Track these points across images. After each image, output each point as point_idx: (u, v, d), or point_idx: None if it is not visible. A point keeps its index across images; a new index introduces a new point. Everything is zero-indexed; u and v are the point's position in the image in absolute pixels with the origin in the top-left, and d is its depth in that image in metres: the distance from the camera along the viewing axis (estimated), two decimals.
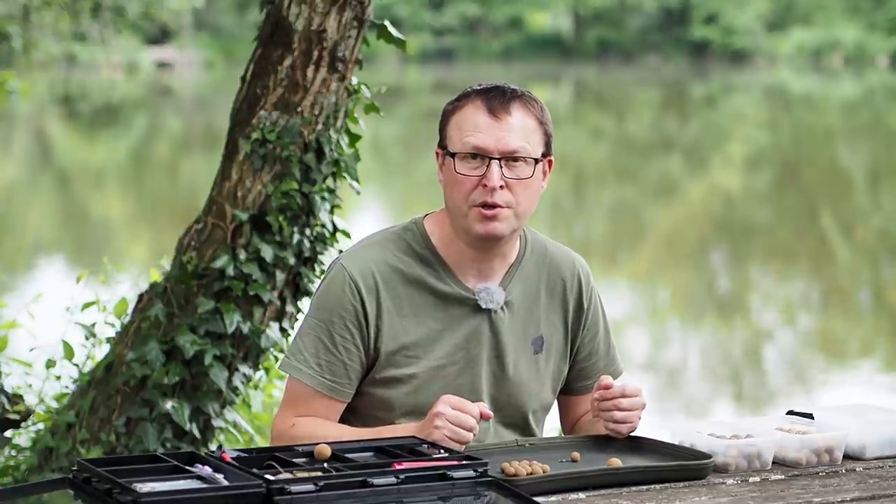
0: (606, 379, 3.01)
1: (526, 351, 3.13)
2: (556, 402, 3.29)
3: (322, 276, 3.25)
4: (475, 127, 3.01)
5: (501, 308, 3.10)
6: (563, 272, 3.19)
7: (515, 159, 3.01)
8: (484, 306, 3.08)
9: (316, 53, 5.00)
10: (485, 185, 2.99)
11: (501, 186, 2.99)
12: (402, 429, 2.94)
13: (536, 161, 3.04)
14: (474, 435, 2.83)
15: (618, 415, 2.97)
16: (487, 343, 3.09)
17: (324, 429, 3.00)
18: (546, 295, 3.16)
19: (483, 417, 2.86)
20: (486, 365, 3.10)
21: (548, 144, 3.09)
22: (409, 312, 3.06)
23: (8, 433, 5.64)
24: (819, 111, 34.08)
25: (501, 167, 2.99)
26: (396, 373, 3.05)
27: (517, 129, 3.01)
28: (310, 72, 5.01)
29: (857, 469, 2.87)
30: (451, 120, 3.06)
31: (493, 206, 2.99)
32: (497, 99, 3.03)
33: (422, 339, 3.06)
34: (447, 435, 2.81)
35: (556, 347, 3.17)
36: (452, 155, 3.02)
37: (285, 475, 2.49)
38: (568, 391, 3.24)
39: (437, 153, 3.09)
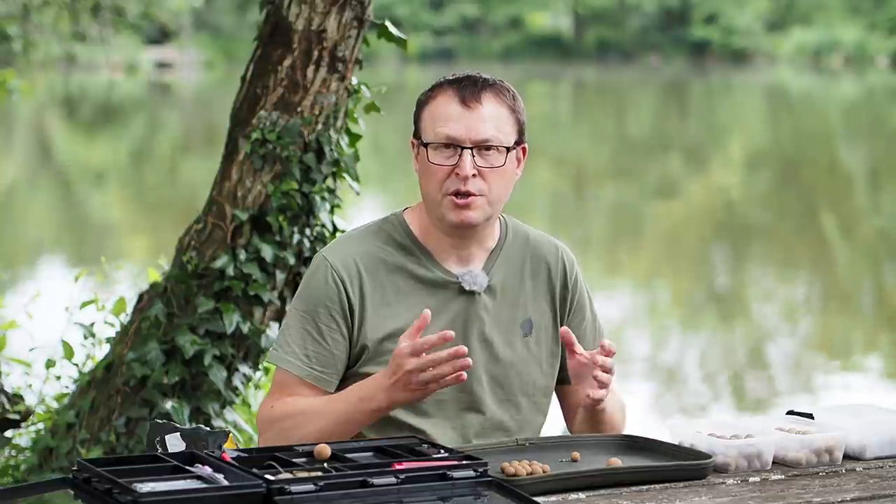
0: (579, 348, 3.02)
1: (516, 334, 3.15)
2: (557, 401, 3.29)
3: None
4: (447, 116, 3.05)
5: (485, 292, 3.12)
6: (547, 256, 3.22)
7: (488, 148, 3.04)
8: (468, 288, 3.11)
9: (316, 53, 5.00)
10: (457, 174, 3.03)
11: (474, 175, 3.03)
12: (369, 382, 2.97)
13: (509, 149, 3.07)
14: (453, 372, 2.86)
15: (601, 375, 2.98)
16: (475, 326, 3.12)
17: (300, 403, 3.04)
18: (531, 279, 3.19)
19: (447, 340, 2.86)
20: (477, 348, 3.11)
21: (521, 132, 3.12)
22: (394, 299, 3.09)
23: (8, 433, 5.64)
24: (819, 111, 34.08)
25: (474, 156, 3.03)
26: (386, 359, 3.06)
27: (489, 118, 3.05)
28: (310, 72, 5.01)
29: (857, 469, 2.87)
30: (425, 110, 3.10)
31: (466, 194, 3.03)
32: (469, 88, 3.06)
33: (409, 324, 3.07)
34: (431, 383, 2.87)
35: (545, 330, 3.19)
36: (426, 145, 3.06)
37: (285, 475, 2.49)
38: (562, 380, 3.24)
39: (412, 143, 3.13)
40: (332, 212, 5.18)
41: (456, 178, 3.03)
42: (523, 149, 3.13)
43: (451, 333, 2.85)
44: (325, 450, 2.64)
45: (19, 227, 16.04)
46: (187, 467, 2.52)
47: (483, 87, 3.07)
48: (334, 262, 3.09)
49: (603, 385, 2.98)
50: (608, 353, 2.98)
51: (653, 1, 52.61)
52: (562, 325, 3.21)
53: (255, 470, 2.49)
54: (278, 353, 3.10)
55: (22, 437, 5.66)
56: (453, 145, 3.04)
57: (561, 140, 25.54)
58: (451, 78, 3.11)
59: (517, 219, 3.26)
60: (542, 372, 3.19)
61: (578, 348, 3.01)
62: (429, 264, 3.12)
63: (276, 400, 3.08)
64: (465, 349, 2.86)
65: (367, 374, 3.07)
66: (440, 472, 2.52)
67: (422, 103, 3.11)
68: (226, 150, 5.14)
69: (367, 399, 2.95)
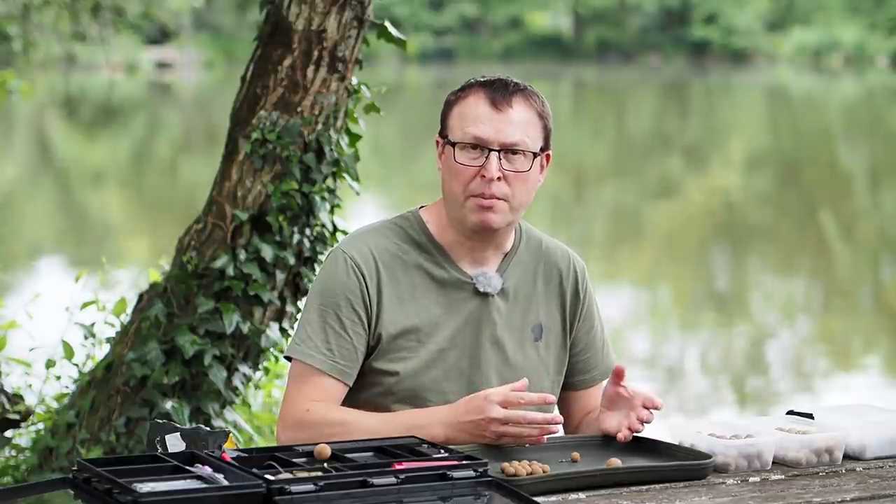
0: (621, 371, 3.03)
1: (527, 338, 3.16)
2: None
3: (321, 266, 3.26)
4: (476, 118, 3.04)
5: (499, 294, 3.12)
6: (559, 263, 3.22)
7: (514, 152, 3.04)
8: (482, 290, 3.11)
9: (316, 53, 5.00)
10: (483, 176, 3.02)
11: (499, 178, 3.03)
12: (424, 413, 2.96)
13: (535, 155, 3.07)
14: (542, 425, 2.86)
15: (638, 426, 2.98)
16: (487, 328, 3.11)
17: (342, 413, 3.00)
18: (543, 284, 3.19)
19: (548, 403, 2.88)
20: (487, 350, 3.11)
21: (547, 139, 3.12)
22: (409, 297, 3.08)
23: (8, 433, 5.64)
24: (819, 111, 34.08)
25: (500, 159, 3.03)
26: (397, 356, 3.07)
27: (518, 123, 3.05)
28: (310, 72, 5.01)
29: (857, 469, 2.87)
30: (454, 109, 3.09)
31: (490, 196, 3.02)
32: (500, 91, 3.06)
33: (423, 323, 3.08)
34: (507, 437, 2.86)
35: (554, 336, 3.20)
36: (453, 144, 3.06)
37: (285, 475, 2.49)
38: (566, 386, 3.25)
39: (437, 141, 3.13)
40: (332, 212, 5.18)
41: (481, 181, 3.02)
42: (547, 155, 3.13)
43: (553, 398, 2.87)
44: (325, 450, 2.64)
45: (19, 228, 16.04)
46: (187, 467, 2.52)
47: (514, 91, 3.07)
48: (353, 254, 3.08)
49: (635, 432, 2.99)
50: (654, 407, 2.99)
51: (653, 1, 52.61)
52: (571, 332, 3.23)
53: (255, 470, 2.49)
54: (301, 347, 3.06)
55: (22, 437, 5.65)
56: (480, 146, 3.03)
57: (561, 140, 25.48)
58: (482, 79, 3.10)
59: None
60: (550, 378, 3.19)
61: (625, 382, 3.02)
62: (445, 263, 3.11)
63: (302, 399, 3.03)
64: (562, 419, 2.89)
65: (377, 370, 3.07)
66: (440, 472, 2.52)
67: (451, 102, 3.11)
68: (226, 150, 5.14)
69: (419, 428, 2.90)
